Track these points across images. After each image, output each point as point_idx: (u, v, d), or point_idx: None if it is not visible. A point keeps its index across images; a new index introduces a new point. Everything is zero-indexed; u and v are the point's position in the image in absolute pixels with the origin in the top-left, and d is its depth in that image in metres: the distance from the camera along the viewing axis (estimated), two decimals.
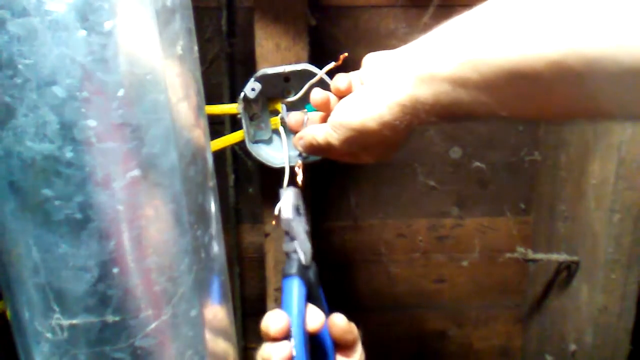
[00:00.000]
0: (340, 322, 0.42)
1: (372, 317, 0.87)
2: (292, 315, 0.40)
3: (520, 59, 0.29)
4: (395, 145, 0.42)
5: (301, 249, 0.43)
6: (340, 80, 0.45)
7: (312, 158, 0.54)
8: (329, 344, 0.43)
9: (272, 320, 0.39)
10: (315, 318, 0.41)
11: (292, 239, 0.43)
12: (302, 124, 0.51)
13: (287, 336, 0.39)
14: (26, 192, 0.29)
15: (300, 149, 0.49)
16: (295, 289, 0.41)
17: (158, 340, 0.33)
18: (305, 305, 0.41)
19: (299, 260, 0.43)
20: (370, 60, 0.42)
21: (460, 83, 0.33)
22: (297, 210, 0.44)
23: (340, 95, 0.46)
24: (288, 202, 0.43)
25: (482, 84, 0.32)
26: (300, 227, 0.44)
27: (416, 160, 0.80)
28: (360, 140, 0.41)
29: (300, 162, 0.52)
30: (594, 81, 0.28)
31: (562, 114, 0.34)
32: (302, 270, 0.43)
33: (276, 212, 0.44)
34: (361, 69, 0.44)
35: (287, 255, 0.44)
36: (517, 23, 0.30)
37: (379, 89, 0.39)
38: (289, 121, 0.53)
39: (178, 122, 0.32)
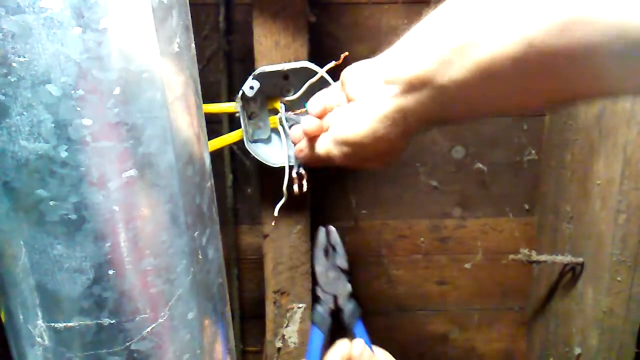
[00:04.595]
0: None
1: (373, 320, 0.86)
2: None
3: (487, 58, 0.30)
4: (395, 152, 0.43)
5: (327, 292, 0.48)
6: (314, 106, 0.47)
7: None
8: None
9: None
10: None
11: (316, 284, 0.48)
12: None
13: None
14: (20, 193, 0.29)
15: (302, 161, 0.50)
16: (313, 339, 0.48)
17: (155, 343, 0.33)
18: (323, 351, 0.46)
19: (318, 309, 0.48)
20: (351, 73, 0.43)
21: (438, 89, 0.34)
22: (326, 250, 0.48)
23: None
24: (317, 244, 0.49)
25: (458, 88, 0.33)
26: (323, 269, 0.48)
27: (418, 160, 0.80)
28: (359, 154, 0.43)
29: (303, 171, 0.52)
30: (559, 70, 0.28)
31: (541, 105, 0.36)
32: (321, 318, 0.49)
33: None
34: (344, 85, 0.44)
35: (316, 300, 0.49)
36: (480, 20, 0.30)
37: (368, 103, 0.40)
38: (292, 136, 0.53)
39: (175, 121, 0.32)
